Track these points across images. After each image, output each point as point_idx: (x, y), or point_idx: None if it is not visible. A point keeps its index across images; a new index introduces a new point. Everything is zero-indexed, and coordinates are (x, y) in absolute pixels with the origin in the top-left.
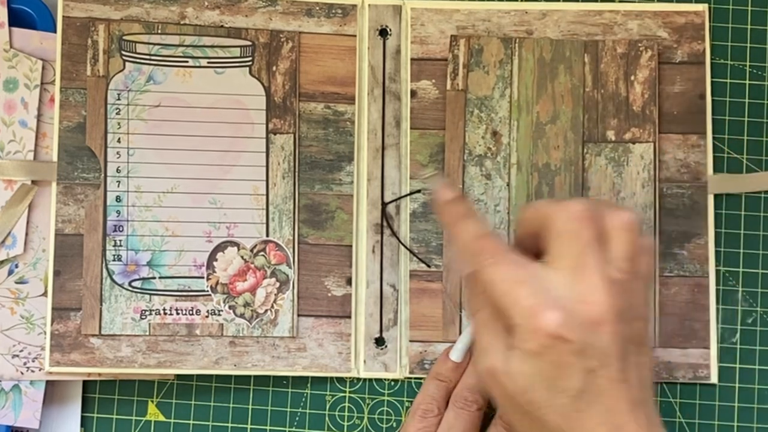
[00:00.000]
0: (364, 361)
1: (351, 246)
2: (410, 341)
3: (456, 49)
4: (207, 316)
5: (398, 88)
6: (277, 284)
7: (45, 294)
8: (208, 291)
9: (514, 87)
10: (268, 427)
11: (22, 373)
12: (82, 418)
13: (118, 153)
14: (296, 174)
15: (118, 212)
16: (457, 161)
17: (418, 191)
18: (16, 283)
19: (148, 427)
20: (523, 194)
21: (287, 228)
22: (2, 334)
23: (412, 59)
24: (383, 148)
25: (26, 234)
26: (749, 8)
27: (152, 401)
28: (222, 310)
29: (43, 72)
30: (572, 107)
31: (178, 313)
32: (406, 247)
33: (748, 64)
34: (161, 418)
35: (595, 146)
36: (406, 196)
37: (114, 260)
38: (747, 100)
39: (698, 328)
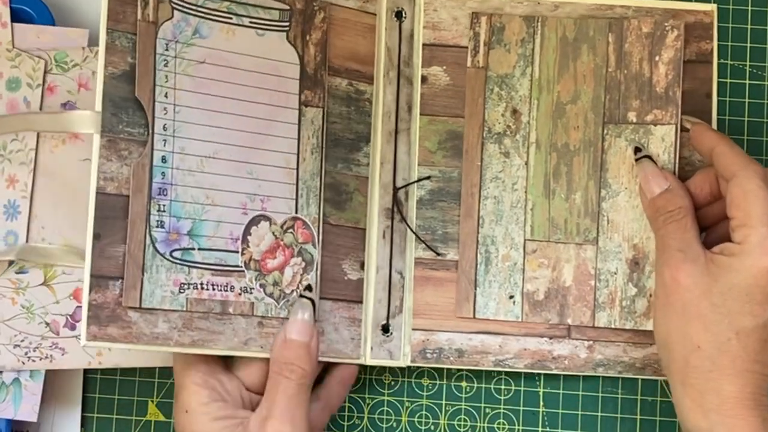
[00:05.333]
0: (371, 348)
1: (365, 229)
2: (413, 329)
3: (477, 26)
4: (240, 294)
5: (412, 72)
6: (303, 264)
7: (45, 284)
8: (241, 267)
9: (535, 65)
10: None
11: (23, 363)
12: (82, 418)
13: (165, 109)
14: (323, 150)
15: (163, 174)
16: (476, 138)
17: (427, 178)
18: (16, 273)
19: (148, 427)
20: (541, 174)
21: (314, 206)
22: (3, 324)
23: (423, 44)
24: (396, 132)
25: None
26: (749, 8)
27: (152, 401)
28: (254, 288)
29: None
30: (594, 87)
31: (214, 289)
32: (414, 233)
33: (748, 64)
34: (161, 418)
35: (616, 127)
36: (414, 182)
37: (158, 227)
38: (747, 100)
39: None
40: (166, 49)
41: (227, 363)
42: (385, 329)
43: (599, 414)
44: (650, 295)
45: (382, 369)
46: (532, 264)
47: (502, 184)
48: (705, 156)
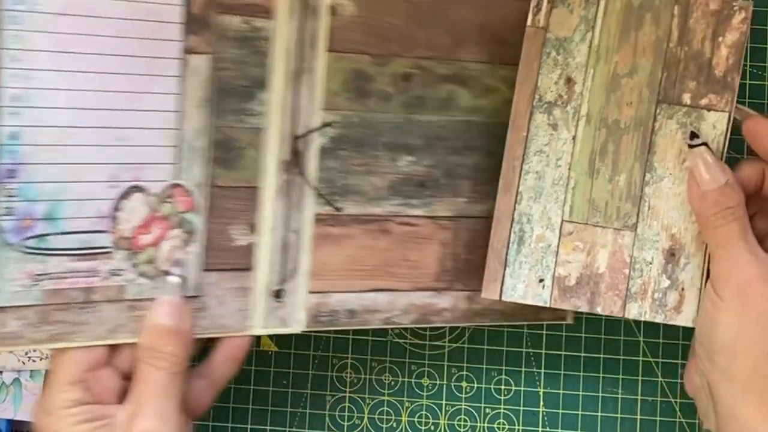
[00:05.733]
0: (264, 318)
1: (258, 188)
2: (310, 292)
3: None
4: (108, 278)
5: (318, 1)
6: (185, 236)
7: None
8: (110, 247)
9: (596, 31)
10: (268, 427)
11: (23, 363)
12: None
13: (15, 76)
14: (212, 103)
15: (13, 153)
16: (525, 106)
17: (328, 125)
18: None
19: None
20: (588, 151)
21: (198, 168)
22: None
23: None
24: (298, 74)
25: None
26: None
27: None
28: (124, 270)
29: None
30: (652, 62)
31: (76, 276)
32: (313, 187)
33: (748, 63)
34: None
35: (669, 108)
36: (315, 130)
37: (6, 215)
38: (747, 100)
39: None
40: (17, 3)
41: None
42: (278, 295)
43: (599, 414)
44: (682, 289)
45: (382, 369)
46: (566, 247)
47: (546, 158)
48: (760, 150)
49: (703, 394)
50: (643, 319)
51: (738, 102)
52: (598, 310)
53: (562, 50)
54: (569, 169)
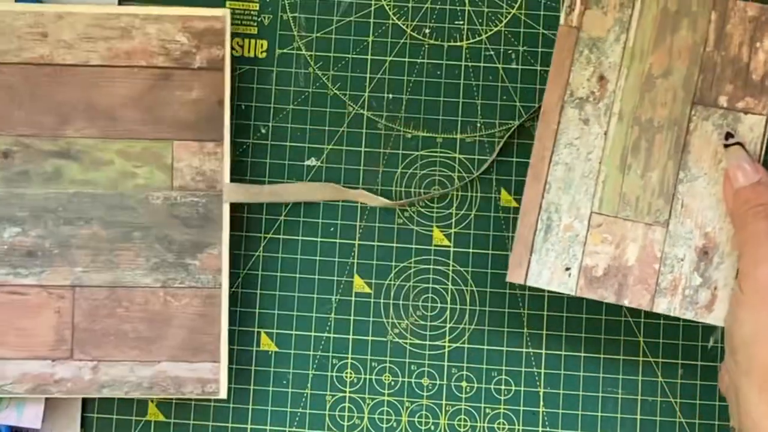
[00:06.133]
0: None
1: None
2: None
3: None
4: None
5: None
6: None
7: None
8: None
9: (631, 33)
10: (268, 427)
11: None
12: (82, 418)
13: None
14: None
15: None
16: (556, 100)
17: None
18: None
19: (148, 427)
20: (620, 146)
21: None
22: None
23: None
24: None
25: None
26: None
27: (152, 401)
28: None
29: None
30: (688, 65)
31: None
32: None
33: None
34: (161, 418)
35: (705, 110)
36: None
37: None
38: None
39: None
40: None
41: None
42: None
43: (599, 414)
44: (715, 288)
45: (382, 369)
46: (595, 238)
47: (576, 151)
48: None
49: (731, 392)
50: (672, 314)
51: None
52: (626, 302)
53: (595, 49)
54: (600, 162)
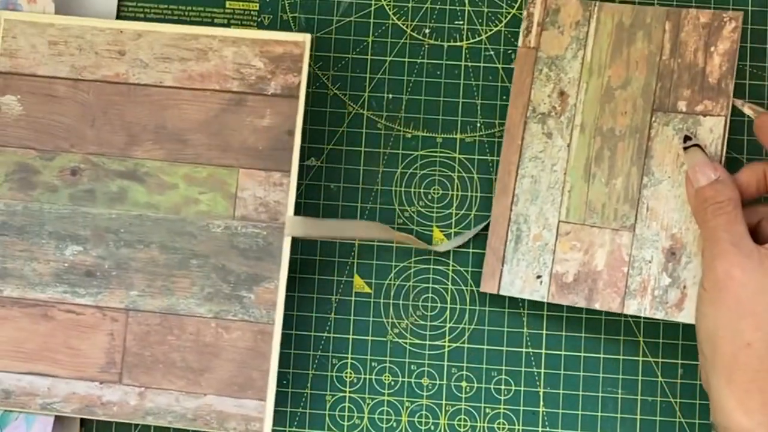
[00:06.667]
0: None
1: None
2: None
3: (532, 6)
4: None
5: None
6: None
7: None
8: None
9: (588, 49)
10: None
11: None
12: (82, 418)
13: None
14: None
15: None
16: (519, 117)
17: None
18: None
19: (148, 428)
20: (583, 157)
21: None
22: None
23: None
24: None
25: None
26: (750, 8)
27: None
28: None
29: None
30: (646, 74)
31: None
32: None
33: (748, 64)
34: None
35: (665, 116)
36: None
37: None
38: (747, 100)
39: None
40: None
41: None
42: None
43: (599, 414)
44: (684, 287)
45: (382, 369)
46: (563, 246)
47: (541, 164)
48: None
49: (706, 386)
50: (642, 315)
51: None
52: (596, 306)
53: (554, 66)
54: (565, 173)
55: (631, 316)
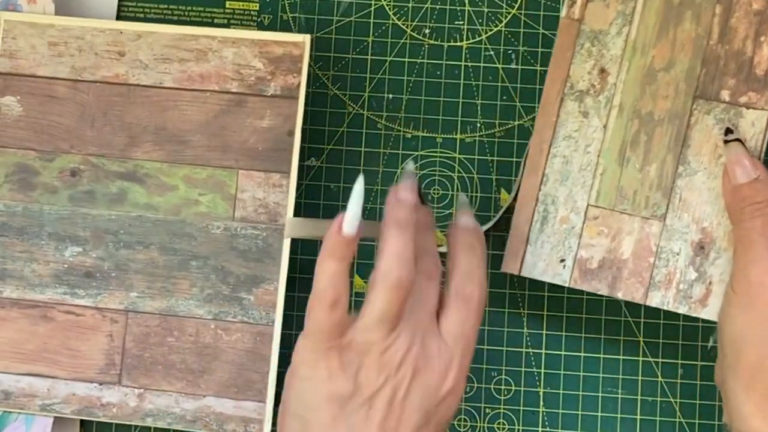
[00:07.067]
0: None
1: None
2: None
3: None
4: None
5: None
6: None
7: None
8: None
9: (633, 26)
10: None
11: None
12: (82, 420)
13: None
14: None
15: None
16: (555, 93)
17: None
18: None
19: (148, 429)
20: (619, 139)
21: None
22: None
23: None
24: None
25: None
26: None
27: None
28: None
29: None
30: (690, 58)
31: None
32: None
33: None
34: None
35: (706, 103)
36: None
37: None
38: None
39: None
40: None
41: None
42: None
43: (599, 414)
44: (710, 283)
45: None
46: (590, 231)
47: (575, 143)
48: None
49: (722, 387)
50: (665, 308)
51: None
52: (619, 295)
53: (596, 42)
54: (598, 155)
55: (632, 316)
